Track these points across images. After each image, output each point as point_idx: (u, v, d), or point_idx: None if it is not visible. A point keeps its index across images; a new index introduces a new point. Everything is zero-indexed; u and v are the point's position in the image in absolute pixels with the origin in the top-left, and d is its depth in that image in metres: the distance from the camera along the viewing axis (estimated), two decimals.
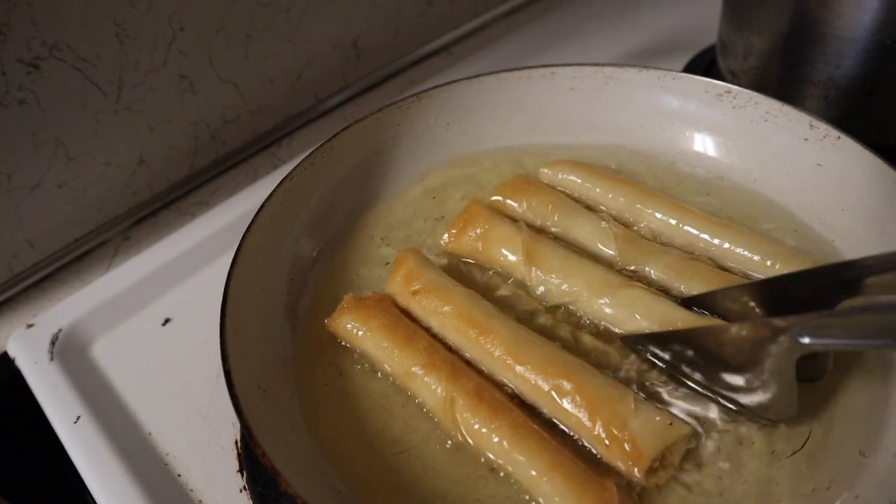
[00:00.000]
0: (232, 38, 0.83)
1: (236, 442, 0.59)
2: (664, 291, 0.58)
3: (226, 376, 0.49)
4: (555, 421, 0.51)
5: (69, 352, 0.67)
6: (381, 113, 0.71)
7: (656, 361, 0.54)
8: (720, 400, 0.52)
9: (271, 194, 0.63)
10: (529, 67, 0.75)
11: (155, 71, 0.78)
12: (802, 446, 0.49)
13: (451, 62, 1.04)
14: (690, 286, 0.58)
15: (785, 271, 0.58)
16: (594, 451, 0.50)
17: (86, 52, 0.71)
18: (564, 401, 0.49)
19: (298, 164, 0.65)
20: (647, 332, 0.54)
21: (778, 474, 0.48)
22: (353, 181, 0.69)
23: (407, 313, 0.59)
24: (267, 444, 0.44)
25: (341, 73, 0.98)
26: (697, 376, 0.52)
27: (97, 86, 0.74)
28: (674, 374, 0.54)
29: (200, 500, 0.56)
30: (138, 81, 0.77)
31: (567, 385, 0.50)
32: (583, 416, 0.49)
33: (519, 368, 0.52)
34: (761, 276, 0.59)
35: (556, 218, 0.66)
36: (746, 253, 0.60)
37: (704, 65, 0.94)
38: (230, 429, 0.60)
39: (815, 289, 0.50)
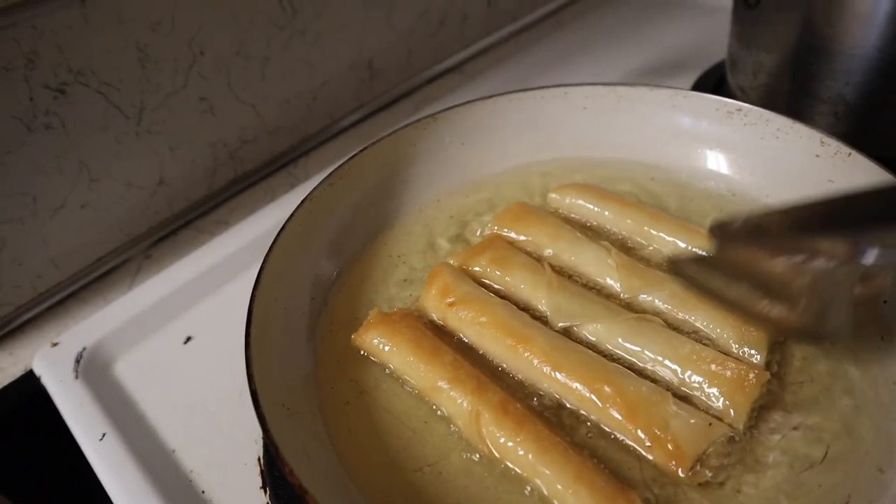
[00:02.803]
0: (250, 60, 0.85)
1: (259, 459, 0.60)
2: (668, 320, 0.59)
3: (252, 396, 0.50)
4: (595, 421, 0.53)
5: (93, 370, 0.69)
6: (397, 134, 0.72)
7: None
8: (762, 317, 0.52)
9: (292, 215, 0.64)
10: (542, 87, 0.77)
11: (175, 93, 0.80)
12: (822, 461, 0.50)
13: (464, 80, 1.06)
14: (693, 315, 0.58)
15: None
16: (621, 458, 0.51)
17: (109, 77, 0.73)
18: (606, 404, 0.51)
19: (318, 185, 0.67)
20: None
21: (797, 487, 0.49)
22: (371, 201, 0.71)
23: (441, 327, 0.61)
24: (293, 462, 0.45)
25: (356, 94, 1.00)
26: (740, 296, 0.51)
27: (119, 109, 0.76)
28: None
29: None
30: (159, 104, 0.79)
31: (608, 389, 0.51)
32: (624, 419, 0.50)
33: (559, 375, 0.53)
34: None
35: (556, 247, 0.66)
36: None
37: (714, 81, 0.95)
38: (253, 446, 0.61)
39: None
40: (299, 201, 0.65)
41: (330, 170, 0.68)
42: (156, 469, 0.60)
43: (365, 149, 0.71)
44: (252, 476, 0.59)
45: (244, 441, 0.62)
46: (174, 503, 0.57)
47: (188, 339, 0.72)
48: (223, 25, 0.80)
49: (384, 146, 0.71)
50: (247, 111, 0.88)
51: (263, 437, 0.48)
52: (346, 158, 0.70)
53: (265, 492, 0.58)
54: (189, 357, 0.70)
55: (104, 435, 0.62)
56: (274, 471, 0.58)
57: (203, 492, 0.59)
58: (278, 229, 0.62)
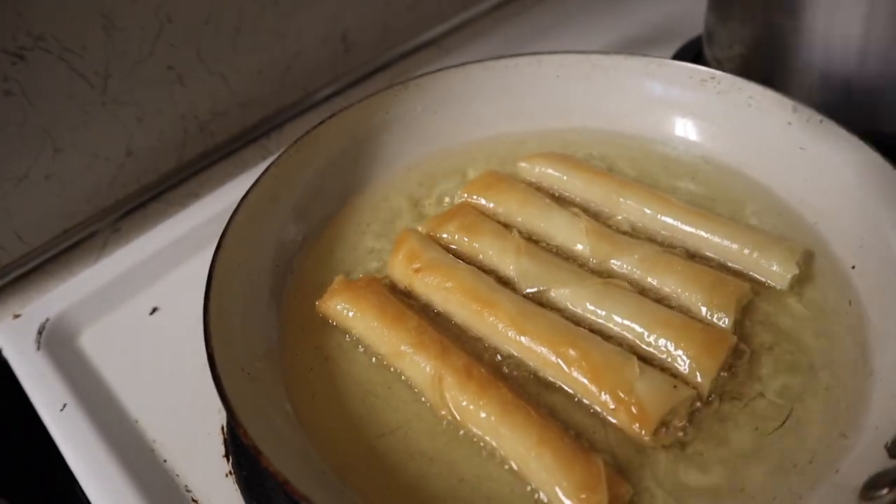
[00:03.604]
0: (220, 30, 0.83)
1: (222, 427, 0.59)
2: (638, 285, 0.58)
3: (209, 358, 0.49)
4: (560, 385, 0.52)
5: (56, 342, 0.67)
6: (368, 100, 0.71)
7: None
8: None
9: (257, 180, 0.63)
10: (516, 55, 0.75)
11: (142, 62, 0.78)
12: (784, 423, 0.50)
13: (440, 55, 1.04)
14: (663, 280, 0.58)
15: (763, 261, 0.58)
16: (586, 422, 0.50)
17: (72, 44, 0.71)
18: (571, 368, 0.51)
19: (284, 151, 0.66)
20: None
21: (760, 450, 0.48)
22: (339, 168, 0.70)
23: (408, 293, 0.60)
24: (249, 424, 0.44)
25: (330, 66, 0.98)
26: None
27: (84, 77, 0.74)
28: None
29: (186, 485, 0.56)
30: (126, 73, 0.77)
31: (573, 353, 0.51)
32: (589, 382, 0.50)
33: (524, 339, 0.53)
34: (738, 267, 0.59)
35: (526, 214, 0.65)
36: (725, 242, 0.60)
37: (692, 54, 0.94)
38: (216, 415, 0.60)
39: None
40: None
41: None
42: (117, 439, 0.59)
43: (334, 115, 0.69)
44: (215, 445, 0.58)
45: (208, 410, 0.61)
46: (135, 473, 0.56)
47: (154, 310, 0.70)
48: None
49: (354, 113, 0.70)
50: (218, 82, 0.87)
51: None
52: (312, 126, 0.68)
53: (228, 459, 0.57)
54: (155, 328, 0.69)
55: (65, 405, 0.61)
56: (236, 438, 0.58)
57: (165, 461, 0.58)
58: None
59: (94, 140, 0.78)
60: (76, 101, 0.74)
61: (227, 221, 0.59)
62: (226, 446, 0.58)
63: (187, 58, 0.82)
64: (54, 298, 0.71)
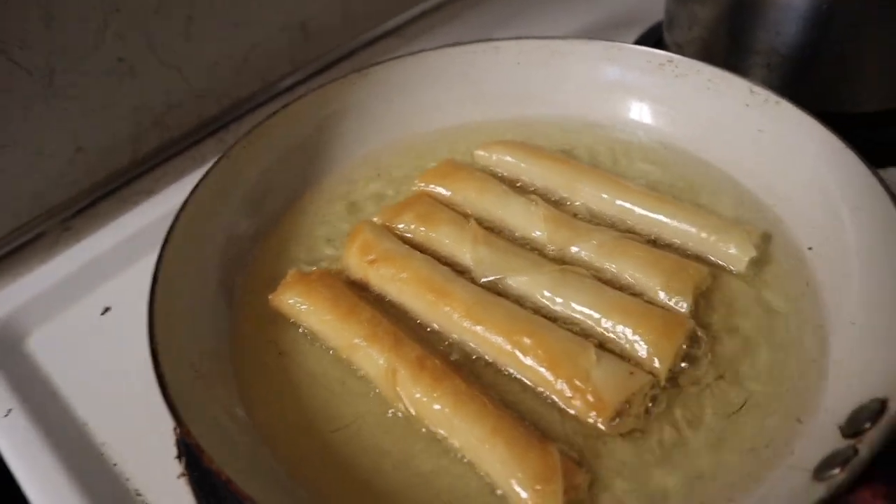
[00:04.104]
0: (171, 19, 0.81)
1: (175, 429, 0.57)
2: (596, 271, 0.58)
3: (152, 355, 0.47)
4: (516, 375, 0.51)
5: (2, 345, 0.65)
6: (321, 90, 0.70)
7: None
8: None
9: (206, 174, 0.61)
10: (474, 42, 0.74)
11: (89, 55, 0.75)
12: (741, 407, 0.49)
13: (402, 44, 1.03)
14: (621, 265, 0.57)
15: (721, 244, 0.58)
16: (543, 412, 0.50)
17: (8, 35, 0.68)
18: (527, 357, 0.50)
19: (235, 143, 0.64)
20: None
21: (718, 434, 0.48)
22: (293, 160, 0.68)
23: (363, 285, 0.59)
24: (192, 422, 0.43)
25: (289, 57, 0.96)
26: None
27: (25, 70, 0.71)
28: None
29: (137, 489, 0.54)
30: (70, 66, 0.74)
31: (528, 341, 0.50)
32: (545, 371, 0.49)
33: (479, 328, 0.52)
34: (696, 251, 0.59)
35: (484, 202, 0.64)
36: (683, 226, 0.60)
37: (654, 40, 0.94)
38: (169, 416, 0.58)
39: None
40: None
41: None
42: (64, 443, 0.57)
43: (286, 106, 0.68)
44: (168, 446, 0.56)
45: (160, 412, 0.58)
46: (83, 476, 0.54)
47: (106, 309, 0.68)
48: None
49: (307, 103, 0.69)
50: (171, 74, 0.84)
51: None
52: (265, 117, 0.67)
53: (180, 461, 0.55)
54: (106, 328, 0.67)
55: (9, 411, 0.59)
56: None
57: (115, 464, 0.56)
58: None
59: (40, 136, 0.75)
60: (16, 95, 0.71)
61: (175, 215, 0.58)
62: (179, 448, 0.56)
63: (137, 49, 0.79)
64: (1, 301, 0.68)
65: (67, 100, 0.76)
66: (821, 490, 0.39)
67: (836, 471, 0.40)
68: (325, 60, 1.00)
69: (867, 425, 0.41)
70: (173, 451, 0.56)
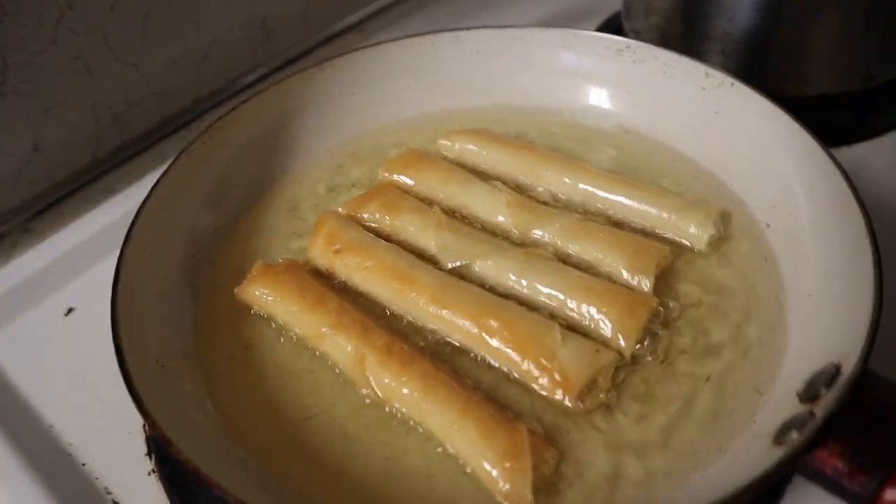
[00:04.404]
0: (128, 15, 0.80)
1: (144, 426, 0.57)
2: (560, 254, 0.58)
3: (116, 351, 0.47)
4: (484, 357, 0.52)
5: None
6: (281, 84, 0.69)
7: None
8: None
9: (167, 170, 0.61)
10: (433, 33, 0.75)
11: (43, 51, 0.74)
12: (706, 380, 0.50)
13: (363, 39, 1.03)
14: (584, 247, 0.58)
15: (681, 223, 0.59)
16: (512, 393, 0.50)
17: None
18: (493, 339, 0.51)
19: (195, 139, 0.63)
20: None
21: (685, 406, 0.49)
22: (255, 154, 0.68)
23: (329, 275, 0.59)
24: (159, 415, 0.42)
25: (250, 53, 0.95)
26: None
27: None
28: None
29: (106, 487, 0.53)
30: (25, 62, 0.73)
31: (494, 323, 0.51)
32: (512, 352, 0.50)
33: (446, 313, 0.52)
34: (658, 231, 0.60)
35: (448, 190, 0.65)
36: (643, 207, 0.61)
37: (613, 29, 0.95)
38: (137, 414, 0.58)
39: None
40: None
41: None
42: (29, 445, 0.56)
43: (247, 100, 0.67)
44: (137, 444, 0.56)
45: (128, 410, 0.57)
46: (50, 478, 0.53)
47: (70, 310, 0.67)
48: None
49: (268, 97, 0.68)
50: (129, 71, 0.83)
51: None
52: (223, 113, 0.66)
53: (150, 458, 0.55)
54: (70, 329, 0.66)
55: None
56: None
57: (84, 464, 0.55)
58: None
59: None
60: None
61: (136, 210, 0.57)
62: (148, 444, 0.55)
63: (93, 46, 0.78)
64: None
65: (23, 97, 0.74)
66: (779, 453, 0.40)
67: (794, 434, 0.41)
68: (286, 57, 0.99)
69: (823, 390, 0.43)
70: (142, 448, 0.55)
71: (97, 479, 0.54)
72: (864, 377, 0.42)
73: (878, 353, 0.43)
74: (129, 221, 0.73)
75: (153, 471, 0.54)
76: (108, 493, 0.53)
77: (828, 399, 0.42)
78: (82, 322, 0.66)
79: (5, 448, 0.55)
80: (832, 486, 0.40)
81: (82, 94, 0.79)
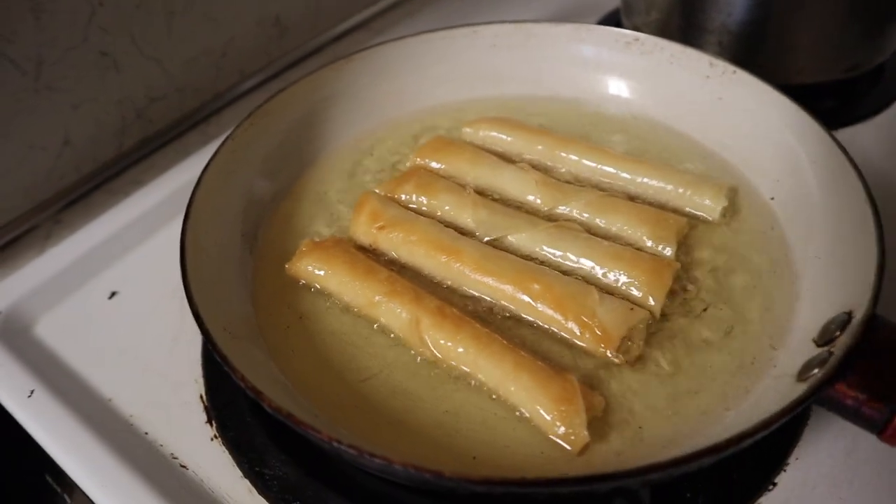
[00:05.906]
0: (153, 14, 0.83)
1: (202, 396, 0.60)
2: (587, 227, 0.63)
3: (195, 317, 0.50)
4: (527, 318, 0.56)
5: (12, 332, 0.66)
6: (315, 75, 0.73)
7: None
8: None
9: (214, 155, 0.64)
10: (451, 28, 0.79)
11: (75, 48, 0.76)
12: (729, 333, 0.56)
13: (371, 37, 1.07)
14: (609, 220, 0.63)
15: (696, 197, 0.65)
16: (556, 349, 0.55)
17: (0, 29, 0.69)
18: (537, 301, 0.55)
19: (239, 125, 0.67)
20: None
21: (711, 355, 0.55)
22: (291, 140, 0.71)
23: (373, 251, 0.63)
24: (245, 370, 0.46)
25: (265, 50, 0.99)
26: None
27: (14, 63, 0.72)
28: None
29: (172, 453, 0.56)
30: (58, 59, 0.75)
31: (537, 287, 0.55)
32: (554, 312, 0.54)
33: (490, 280, 0.57)
34: (674, 205, 0.65)
35: (477, 173, 0.69)
36: (660, 184, 0.66)
37: (612, 24, 1.01)
38: (192, 385, 0.61)
39: None
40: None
41: None
42: (92, 418, 0.58)
43: (284, 89, 0.71)
44: (196, 413, 0.59)
45: (183, 382, 0.61)
46: (117, 447, 0.56)
47: (113, 294, 0.70)
48: None
49: (301, 88, 0.72)
50: (153, 68, 0.86)
51: (214, 355, 0.48)
52: (263, 101, 0.70)
53: (211, 425, 0.58)
54: (115, 311, 0.68)
55: (32, 392, 0.60)
56: (218, 404, 0.59)
57: (146, 433, 0.58)
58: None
59: (29, 130, 0.76)
60: (7, 89, 0.72)
61: (190, 195, 0.60)
62: (207, 413, 0.59)
63: (121, 43, 0.81)
64: (4, 291, 0.69)
65: (55, 93, 0.76)
66: (803, 387, 0.45)
67: (816, 371, 0.46)
68: (298, 54, 1.03)
69: (837, 333, 0.48)
70: (202, 416, 0.59)
71: (162, 445, 0.57)
72: (873, 321, 0.47)
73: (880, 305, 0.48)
74: (161, 209, 0.77)
75: (216, 436, 0.57)
76: (175, 458, 0.56)
77: (843, 340, 0.47)
78: (126, 304, 0.69)
79: (71, 420, 0.58)
80: (851, 414, 0.45)
81: (110, 89, 0.82)
